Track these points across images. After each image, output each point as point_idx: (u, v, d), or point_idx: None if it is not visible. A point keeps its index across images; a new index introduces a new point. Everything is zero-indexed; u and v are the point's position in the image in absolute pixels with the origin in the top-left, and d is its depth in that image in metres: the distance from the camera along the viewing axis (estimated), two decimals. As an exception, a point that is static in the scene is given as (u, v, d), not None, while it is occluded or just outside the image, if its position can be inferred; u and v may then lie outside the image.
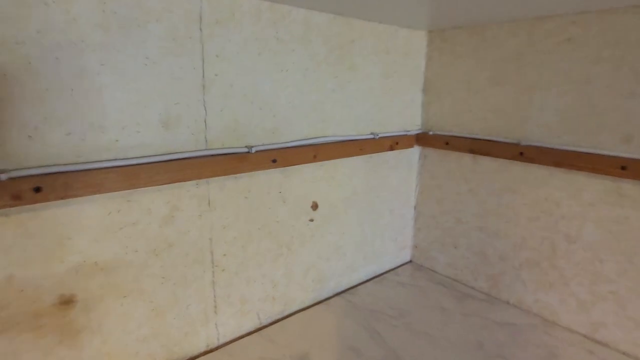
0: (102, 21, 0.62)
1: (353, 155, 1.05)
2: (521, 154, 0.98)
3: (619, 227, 0.86)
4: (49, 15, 0.58)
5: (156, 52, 0.68)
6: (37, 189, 0.58)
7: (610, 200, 0.87)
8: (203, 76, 0.74)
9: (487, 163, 1.08)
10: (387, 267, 1.28)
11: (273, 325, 0.97)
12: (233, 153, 0.80)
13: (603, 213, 0.88)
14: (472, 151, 1.09)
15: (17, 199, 0.56)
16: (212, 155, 0.77)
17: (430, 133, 1.20)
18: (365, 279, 1.21)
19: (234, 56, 0.78)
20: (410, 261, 1.35)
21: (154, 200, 0.73)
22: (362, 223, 1.16)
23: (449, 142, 1.15)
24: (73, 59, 0.61)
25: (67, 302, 0.67)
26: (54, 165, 0.60)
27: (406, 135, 1.19)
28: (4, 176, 0.55)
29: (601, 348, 0.90)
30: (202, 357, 0.85)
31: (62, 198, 0.61)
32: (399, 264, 1.32)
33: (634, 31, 0.80)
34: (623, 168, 0.82)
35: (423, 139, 1.22)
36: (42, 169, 0.59)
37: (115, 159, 0.67)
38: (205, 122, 0.76)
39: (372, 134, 1.09)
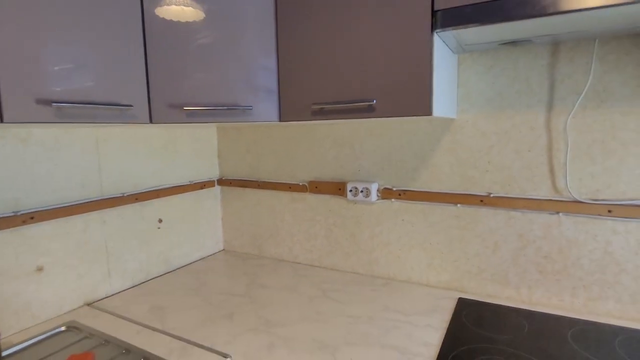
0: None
1: (177, 194, 2.09)
2: (258, 185, 2.18)
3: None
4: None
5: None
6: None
7: (290, 201, 2.11)
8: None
9: (248, 190, 2.25)
10: (209, 253, 2.32)
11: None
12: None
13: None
14: (241, 185, 2.25)
15: (28, 221, 1.44)
16: (106, 198, 1.72)
17: (224, 178, 2.33)
18: (195, 260, 2.22)
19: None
20: (224, 249, 2.42)
21: None
22: (191, 228, 2.18)
23: (231, 182, 2.29)
24: (45, 164, 1.52)
25: None
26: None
27: (210, 180, 2.29)
28: None
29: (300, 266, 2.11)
30: None
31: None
32: (217, 251, 2.38)
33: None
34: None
35: (221, 181, 2.34)
36: (37, 208, 1.48)
37: None
38: (102, 184, 1.71)
39: (189, 181, 2.16)
